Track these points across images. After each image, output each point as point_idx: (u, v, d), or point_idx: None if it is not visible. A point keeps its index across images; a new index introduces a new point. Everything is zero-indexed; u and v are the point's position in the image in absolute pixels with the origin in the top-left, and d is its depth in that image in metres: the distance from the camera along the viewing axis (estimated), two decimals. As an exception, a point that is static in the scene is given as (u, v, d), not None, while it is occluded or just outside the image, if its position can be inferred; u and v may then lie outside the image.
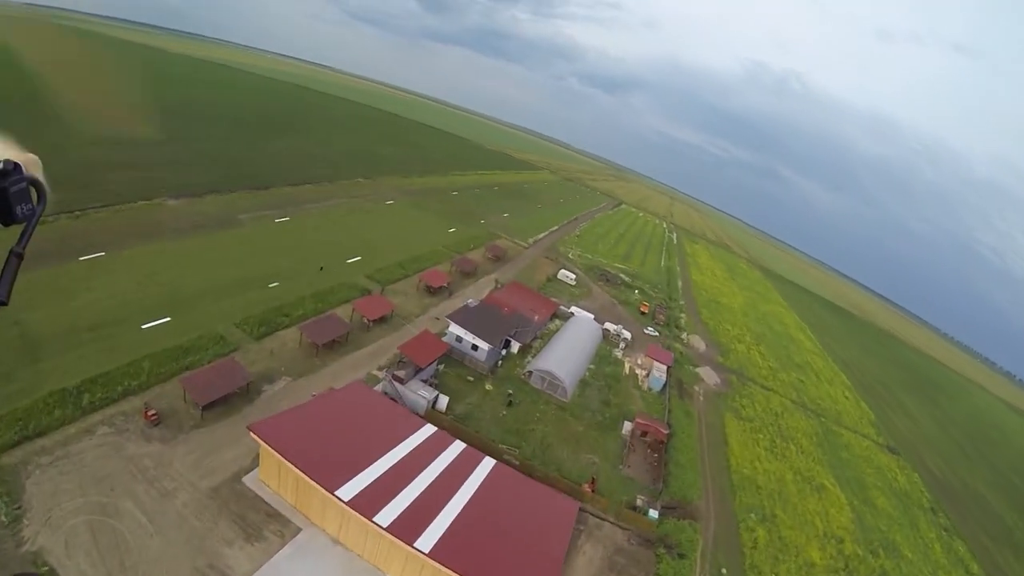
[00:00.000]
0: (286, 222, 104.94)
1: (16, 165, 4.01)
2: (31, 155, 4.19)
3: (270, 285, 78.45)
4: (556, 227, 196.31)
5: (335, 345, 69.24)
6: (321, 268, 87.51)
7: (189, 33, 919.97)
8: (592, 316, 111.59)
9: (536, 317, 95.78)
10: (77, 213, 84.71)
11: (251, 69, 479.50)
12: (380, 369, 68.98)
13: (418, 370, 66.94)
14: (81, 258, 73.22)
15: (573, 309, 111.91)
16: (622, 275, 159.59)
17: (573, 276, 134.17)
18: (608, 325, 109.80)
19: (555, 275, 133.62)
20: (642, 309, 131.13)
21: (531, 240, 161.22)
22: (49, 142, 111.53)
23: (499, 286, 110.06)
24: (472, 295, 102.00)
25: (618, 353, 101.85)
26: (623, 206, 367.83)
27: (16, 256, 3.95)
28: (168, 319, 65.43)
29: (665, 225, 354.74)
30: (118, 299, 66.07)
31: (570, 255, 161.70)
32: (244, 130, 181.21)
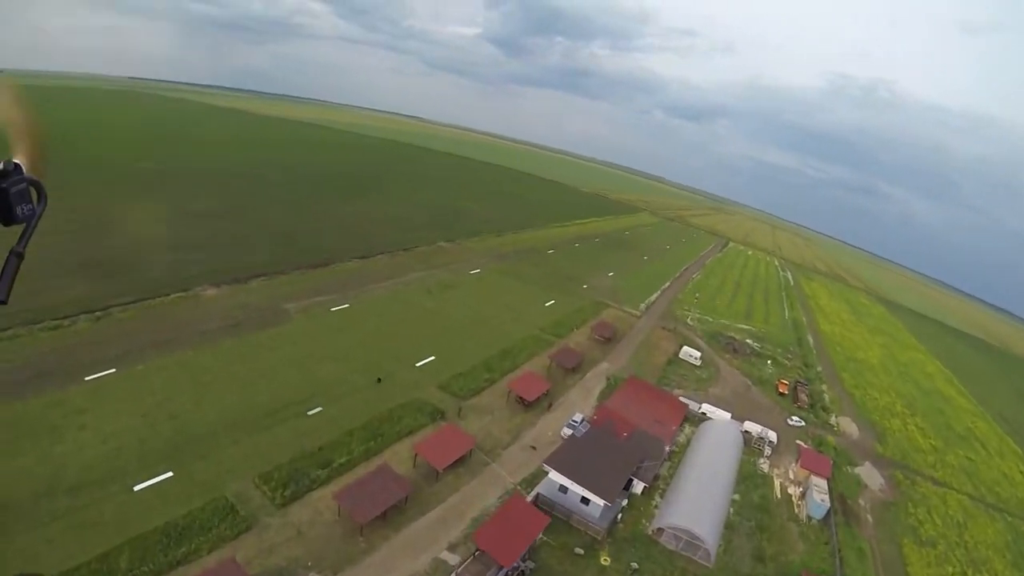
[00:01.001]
0: (344, 311, 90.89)
1: (17, 165, 4.19)
2: (32, 155, 4.32)
3: (309, 412, 62.48)
4: (668, 283, 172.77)
5: (388, 514, 50.48)
6: (379, 380, 70.77)
7: (278, 95, 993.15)
8: (728, 415, 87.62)
9: (663, 435, 73.60)
10: (99, 314, 74.26)
11: (337, 126, 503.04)
12: (450, 549, 49.36)
13: (501, 570, 46.44)
14: (87, 377, 62.33)
15: (705, 407, 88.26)
16: (749, 340, 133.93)
17: (697, 354, 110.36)
18: (748, 425, 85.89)
19: (676, 354, 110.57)
20: (780, 389, 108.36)
21: (642, 305, 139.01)
22: (95, 219, 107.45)
23: (611, 383, 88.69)
24: (578, 401, 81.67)
25: (764, 465, 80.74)
26: (730, 245, 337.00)
27: (16, 256, 4.23)
28: (169, 474, 51.02)
29: (777, 263, 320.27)
30: (113, 443, 53.37)
31: (688, 320, 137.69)
32: (316, 193, 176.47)
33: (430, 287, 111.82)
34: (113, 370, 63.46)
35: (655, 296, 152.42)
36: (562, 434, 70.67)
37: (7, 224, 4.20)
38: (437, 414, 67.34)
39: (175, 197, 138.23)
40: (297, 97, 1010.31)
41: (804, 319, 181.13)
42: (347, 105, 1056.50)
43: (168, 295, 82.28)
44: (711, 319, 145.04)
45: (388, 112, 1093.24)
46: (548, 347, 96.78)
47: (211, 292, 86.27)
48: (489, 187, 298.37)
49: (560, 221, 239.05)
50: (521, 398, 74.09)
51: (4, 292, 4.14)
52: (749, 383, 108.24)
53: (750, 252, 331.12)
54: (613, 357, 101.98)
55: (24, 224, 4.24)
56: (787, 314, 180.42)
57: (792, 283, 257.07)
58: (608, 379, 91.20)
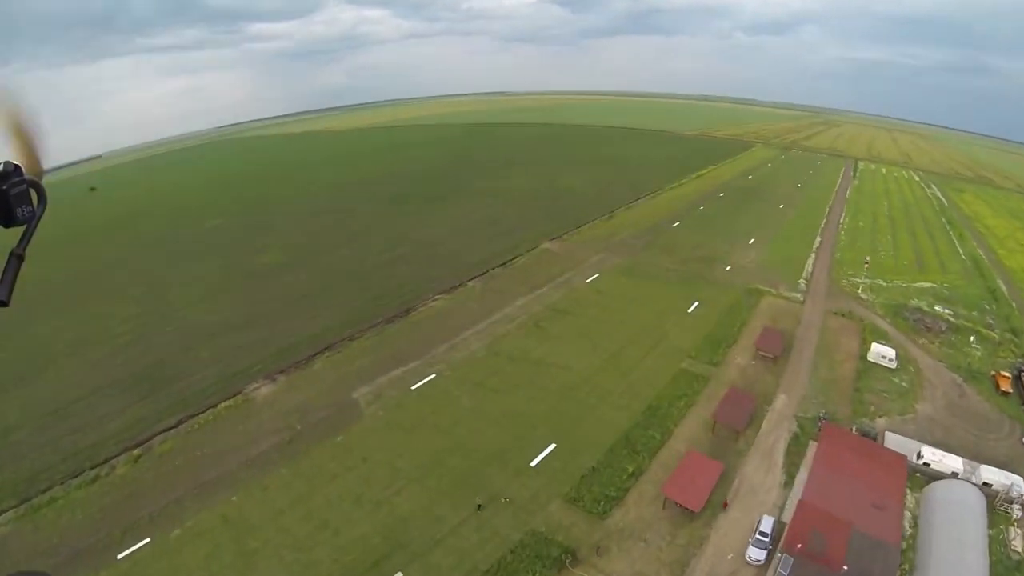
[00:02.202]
0: (428, 387, 74.77)
1: (17, 167, 4.35)
2: (31, 157, 4.47)
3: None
4: (818, 237, 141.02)
5: None
6: (479, 507, 53.22)
7: (357, 105, 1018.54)
8: (959, 462, 60.61)
9: (888, 529, 50.03)
10: (138, 452, 63.64)
11: (419, 122, 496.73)
12: None
13: None
14: (119, 555, 51.74)
15: (925, 453, 61.22)
16: (937, 307, 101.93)
17: (891, 353, 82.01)
18: (985, 473, 58.44)
19: (864, 356, 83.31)
20: (1001, 386, 77.74)
21: (801, 281, 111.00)
22: (153, 309, 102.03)
23: (799, 436, 65.05)
24: (759, 481, 58.92)
25: (1016, 541, 53.59)
26: (860, 166, 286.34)
27: (16, 258, 4.42)
28: None
29: (916, 177, 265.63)
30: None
31: (860, 292, 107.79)
32: (392, 209, 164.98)
33: (538, 319, 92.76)
34: (147, 540, 52.10)
35: (810, 263, 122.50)
36: (748, 558, 49.15)
37: (7, 226, 4.36)
38: (565, 556, 48.34)
39: (237, 255, 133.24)
40: (377, 102, 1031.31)
41: (982, 254, 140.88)
42: (428, 97, 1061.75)
43: (215, 405, 70.87)
44: (884, 282, 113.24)
45: (470, 95, 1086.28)
46: (705, 386, 74.27)
47: (265, 390, 73.89)
48: (586, 153, 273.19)
49: (674, 180, 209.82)
50: (680, 505, 52.57)
51: (5, 294, 4.25)
52: (960, 381, 78.59)
53: (883, 170, 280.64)
54: (789, 382, 77.06)
55: (24, 226, 4.42)
56: (961, 251, 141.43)
57: (945, 202, 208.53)
58: (793, 433, 66.75)
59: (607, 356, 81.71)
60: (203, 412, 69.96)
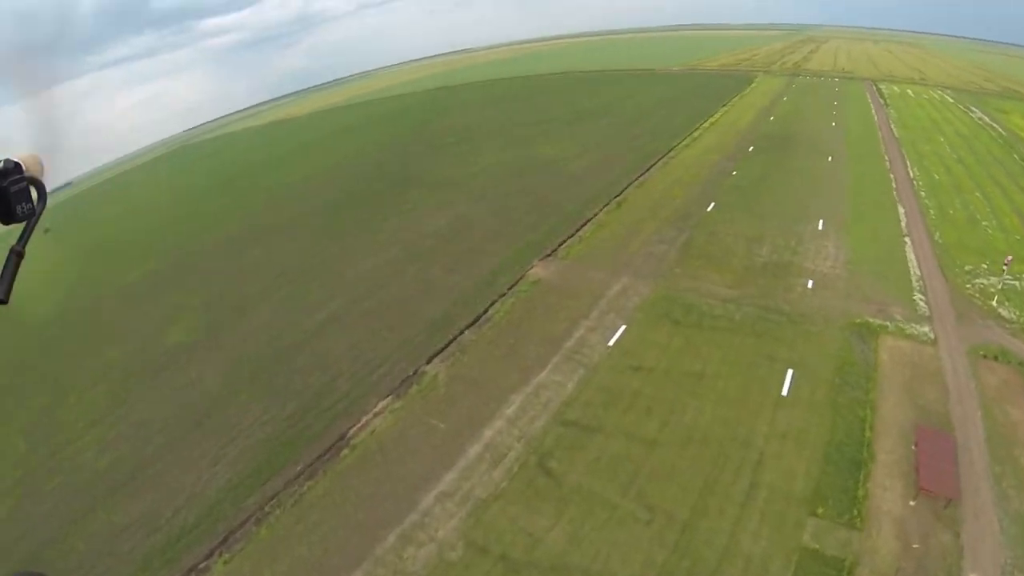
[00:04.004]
0: None
1: (16, 164, 4.31)
2: (33, 154, 4.49)
3: None
4: (900, 208, 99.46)
5: None
6: None
7: (321, 85, 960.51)
8: None
9: None
10: None
11: (377, 95, 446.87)
12: None
13: None
14: None
15: None
16: None
17: None
18: None
19: None
20: None
21: (916, 296, 70.81)
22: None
23: None
24: None
25: None
26: (883, 89, 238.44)
27: (16, 254, 4.36)
28: None
29: (949, 99, 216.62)
30: None
31: (995, 304, 68.00)
32: (329, 231, 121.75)
33: (544, 452, 51.65)
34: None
35: (911, 256, 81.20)
36: None
37: (7, 223, 4.30)
38: None
39: (146, 330, 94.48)
40: (340, 79, 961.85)
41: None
42: (391, 66, 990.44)
43: None
44: (1015, 280, 72.81)
45: (433, 57, 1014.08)
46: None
47: None
48: (565, 109, 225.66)
49: (683, 133, 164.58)
50: None
51: (4, 291, 4.17)
52: None
53: (909, 91, 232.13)
54: (974, 542, 38.97)
55: (24, 223, 4.38)
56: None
57: (1001, 131, 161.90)
58: None
59: (674, 534, 41.96)
60: None
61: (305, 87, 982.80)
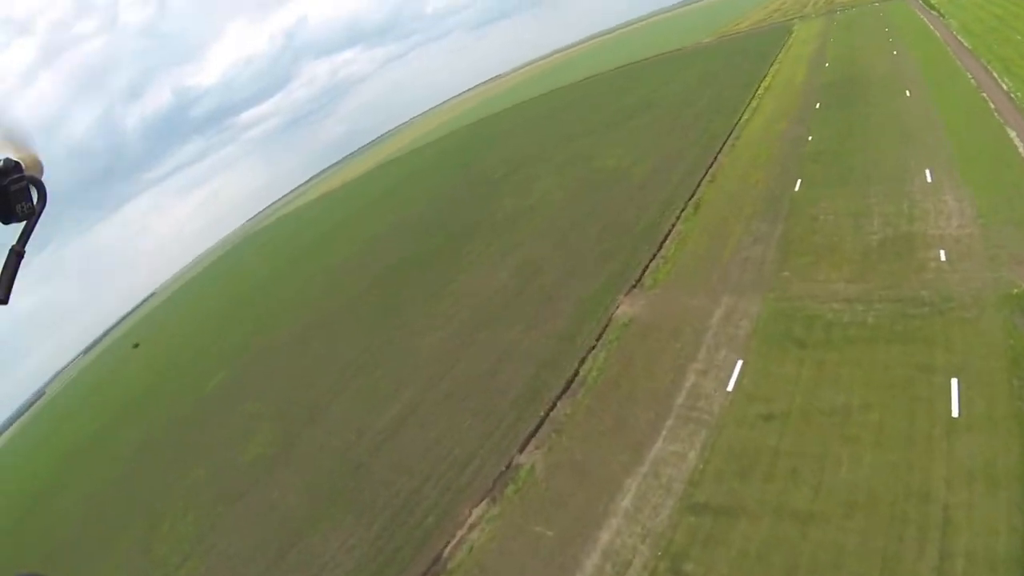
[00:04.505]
0: None
1: (16, 164, 4.24)
2: (33, 154, 4.38)
3: None
4: (1011, 131, 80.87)
5: None
6: None
7: (362, 147, 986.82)
8: None
9: None
10: None
11: (418, 143, 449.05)
12: None
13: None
14: None
15: None
16: None
17: None
18: None
19: None
20: None
21: None
22: None
23: None
24: None
25: None
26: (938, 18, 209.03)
27: (16, 254, 4.30)
28: None
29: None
30: None
31: None
32: (386, 309, 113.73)
33: (675, 550, 38.36)
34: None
35: None
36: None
37: (7, 222, 4.23)
38: None
39: (226, 446, 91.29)
40: (381, 136, 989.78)
41: None
42: (426, 112, 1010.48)
43: None
44: None
45: (466, 93, 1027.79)
46: None
47: None
48: (608, 111, 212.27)
49: (738, 108, 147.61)
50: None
51: (4, 291, 4.12)
52: None
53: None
54: None
55: (24, 222, 4.32)
56: None
57: None
58: None
59: None
60: None
61: (351, 150, 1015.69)
